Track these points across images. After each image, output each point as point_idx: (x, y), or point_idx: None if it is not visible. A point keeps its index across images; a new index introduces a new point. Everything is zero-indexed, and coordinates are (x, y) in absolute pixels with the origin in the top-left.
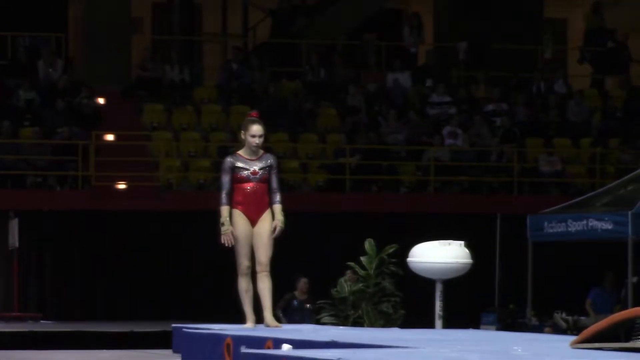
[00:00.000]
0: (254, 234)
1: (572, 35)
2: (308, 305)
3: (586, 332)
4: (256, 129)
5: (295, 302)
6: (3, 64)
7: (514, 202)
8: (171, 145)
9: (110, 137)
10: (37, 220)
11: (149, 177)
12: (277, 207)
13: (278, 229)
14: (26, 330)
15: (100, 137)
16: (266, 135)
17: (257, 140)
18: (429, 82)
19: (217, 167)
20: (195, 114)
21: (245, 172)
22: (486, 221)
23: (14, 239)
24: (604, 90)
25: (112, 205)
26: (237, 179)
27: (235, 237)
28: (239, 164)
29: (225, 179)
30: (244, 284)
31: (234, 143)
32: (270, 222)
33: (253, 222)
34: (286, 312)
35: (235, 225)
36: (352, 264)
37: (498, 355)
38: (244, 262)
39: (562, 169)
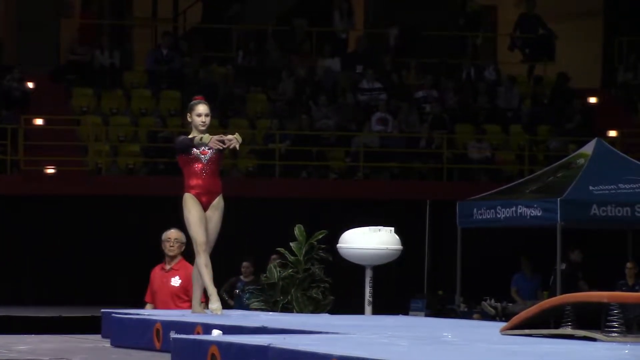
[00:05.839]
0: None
1: (502, 22)
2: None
3: (516, 319)
4: (202, 108)
5: (239, 285)
6: None
7: (443, 188)
8: (100, 129)
9: (39, 121)
10: None
11: (78, 162)
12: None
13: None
14: None
15: (29, 121)
16: None
17: (203, 119)
18: (359, 68)
19: (147, 152)
20: (124, 99)
21: (195, 151)
22: (415, 207)
23: None
24: (534, 77)
25: (41, 190)
26: (187, 161)
27: (188, 220)
28: None
29: (182, 137)
30: (203, 259)
31: (164, 128)
32: (221, 210)
33: (205, 206)
34: (232, 295)
35: (189, 207)
36: (281, 249)
37: (428, 341)
38: (200, 238)
39: (491, 156)
